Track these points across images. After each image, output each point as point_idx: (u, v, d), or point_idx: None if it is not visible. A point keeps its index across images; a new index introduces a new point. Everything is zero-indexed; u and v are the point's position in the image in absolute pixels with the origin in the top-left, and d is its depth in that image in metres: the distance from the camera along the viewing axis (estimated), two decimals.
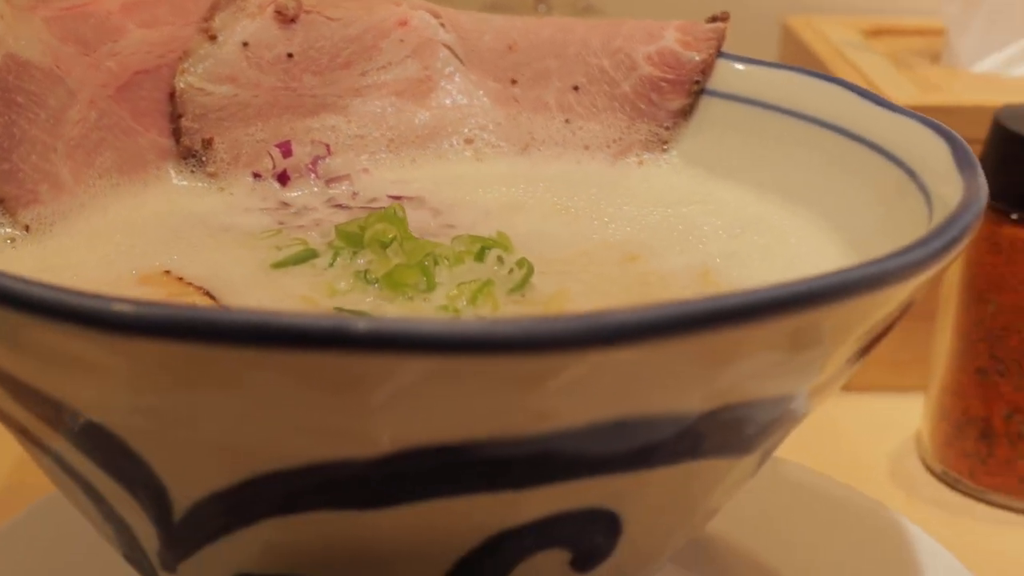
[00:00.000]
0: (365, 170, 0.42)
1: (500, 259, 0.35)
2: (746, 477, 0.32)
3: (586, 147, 0.42)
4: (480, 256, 0.35)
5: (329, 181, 0.41)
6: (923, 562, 0.39)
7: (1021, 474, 0.47)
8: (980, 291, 0.47)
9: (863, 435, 0.52)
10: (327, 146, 0.41)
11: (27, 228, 0.36)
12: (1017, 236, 0.46)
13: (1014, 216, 0.46)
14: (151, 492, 0.28)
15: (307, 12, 0.43)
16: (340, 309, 0.33)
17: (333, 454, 0.26)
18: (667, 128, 0.42)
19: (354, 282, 0.34)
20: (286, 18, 0.42)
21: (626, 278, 0.35)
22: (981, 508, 0.48)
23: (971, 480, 0.48)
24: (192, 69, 0.41)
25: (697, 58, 0.42)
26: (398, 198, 0.40)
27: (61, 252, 0.36)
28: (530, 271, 0.34)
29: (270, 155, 0.41)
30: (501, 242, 0.36)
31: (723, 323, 0.25)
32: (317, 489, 0.27)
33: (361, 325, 0.24)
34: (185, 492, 0.28)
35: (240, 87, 0.42)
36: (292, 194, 0.40)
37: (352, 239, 0.36)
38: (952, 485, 0.49)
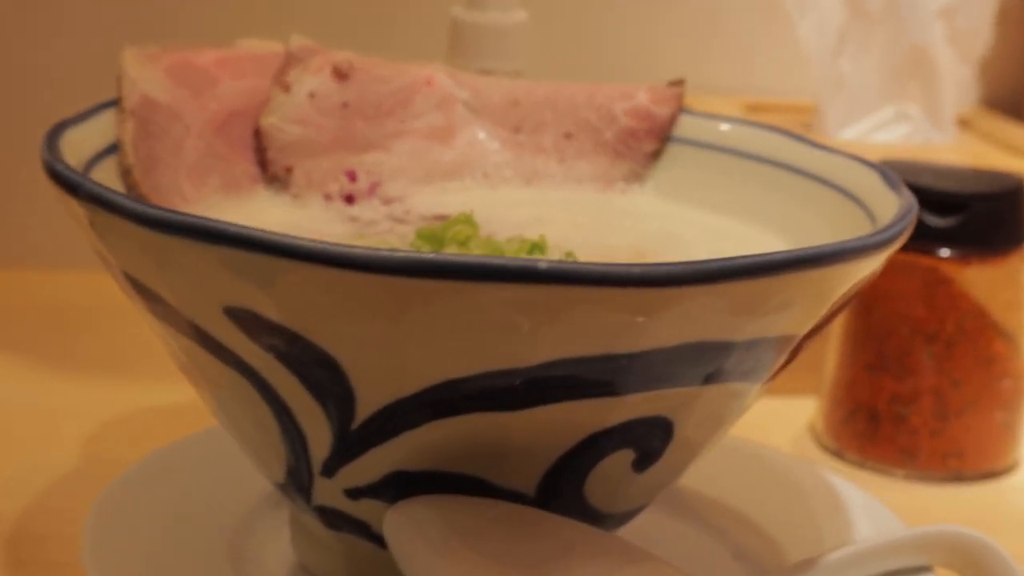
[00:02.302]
0: (409, 196, 0.53)
1: (549, 254, 0.46)
2: (749, 405, 0.43)
3: (578, 180, 0.54)
4: (531, 252, 0.46)
5: (385, 202, 0.52)
6: (853, 504, 0.51)
7: (900, 446, 0.60)
8: (867, 302, 0.60)
9: (766, 426, 0.64)
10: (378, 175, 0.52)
11: None
12: (896, 258, 0.59)
13: None
14: (342, 403, 0.38)
15: (357, 71, 0.54)
16: None
17: (500, 364, 0.37)
18: (642, 166, 0.54)
19: None
20: (341, 75, 0.53)
21: None
22: (868, 475, 0.60)
23: (860, 454, 0.61)
24: (273, 113, 0.52)
25: (666, 112, 0.54)
26: (443, 216, 0.51)
27: None
28: (577, 260, 0.45)
29: (339, 181, 0.51)
30: (542, 243, 0.47)
31: (766, 272, 0.37)
32: (478, 394, 0.37)
33: (543, 265, 0.34)
34: (372, 400, 0.38)
35: (308, 128, 0.52)
36: (358, 211, 0.51)
37: (432, 239, 0.47)
38: (844, 459, 0.61)
